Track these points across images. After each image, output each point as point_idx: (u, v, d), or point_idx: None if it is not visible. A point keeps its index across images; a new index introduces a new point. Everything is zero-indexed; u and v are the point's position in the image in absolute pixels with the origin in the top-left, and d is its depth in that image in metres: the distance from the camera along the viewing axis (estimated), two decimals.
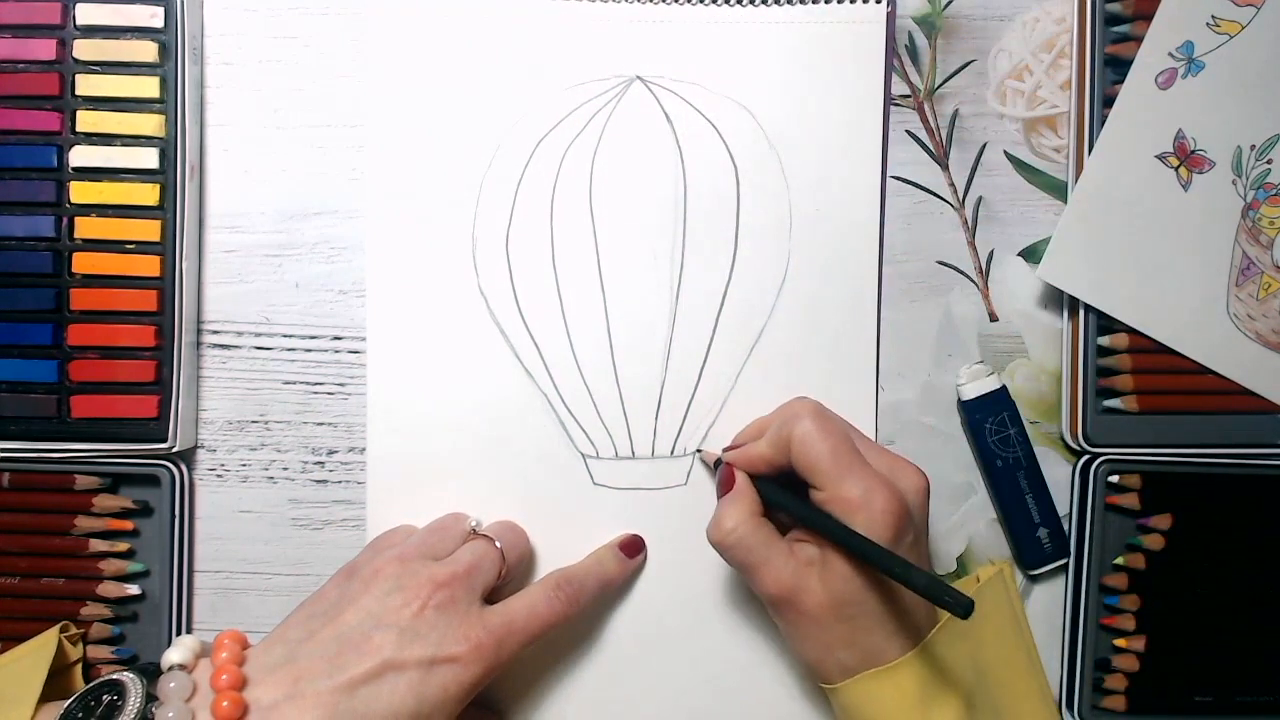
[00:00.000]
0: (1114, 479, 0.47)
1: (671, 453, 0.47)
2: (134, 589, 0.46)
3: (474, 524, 0.44)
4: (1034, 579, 0.49)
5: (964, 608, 0.35)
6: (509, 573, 0.43)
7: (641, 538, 0.47)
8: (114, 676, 0.36)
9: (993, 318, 0.48)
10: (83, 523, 0.46)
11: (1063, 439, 0.49)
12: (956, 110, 0.48)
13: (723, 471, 0.44)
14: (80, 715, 0.34)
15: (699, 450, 0.47)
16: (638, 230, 0.46)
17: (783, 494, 0.42)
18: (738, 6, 0.46)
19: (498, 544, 0.42)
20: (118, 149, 0.45)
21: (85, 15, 0.44)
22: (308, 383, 0.47)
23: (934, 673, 0.40)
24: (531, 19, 0.46)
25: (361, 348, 0.47)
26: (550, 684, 0.47)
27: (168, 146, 0.45)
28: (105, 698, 0.35)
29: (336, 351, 0.47)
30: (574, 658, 0.47)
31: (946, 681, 0.40)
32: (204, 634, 0.43)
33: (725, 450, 0.45)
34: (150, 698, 0.35)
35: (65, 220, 0.45)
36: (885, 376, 0.48)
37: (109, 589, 0.46)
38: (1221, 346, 0.47)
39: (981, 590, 0.44)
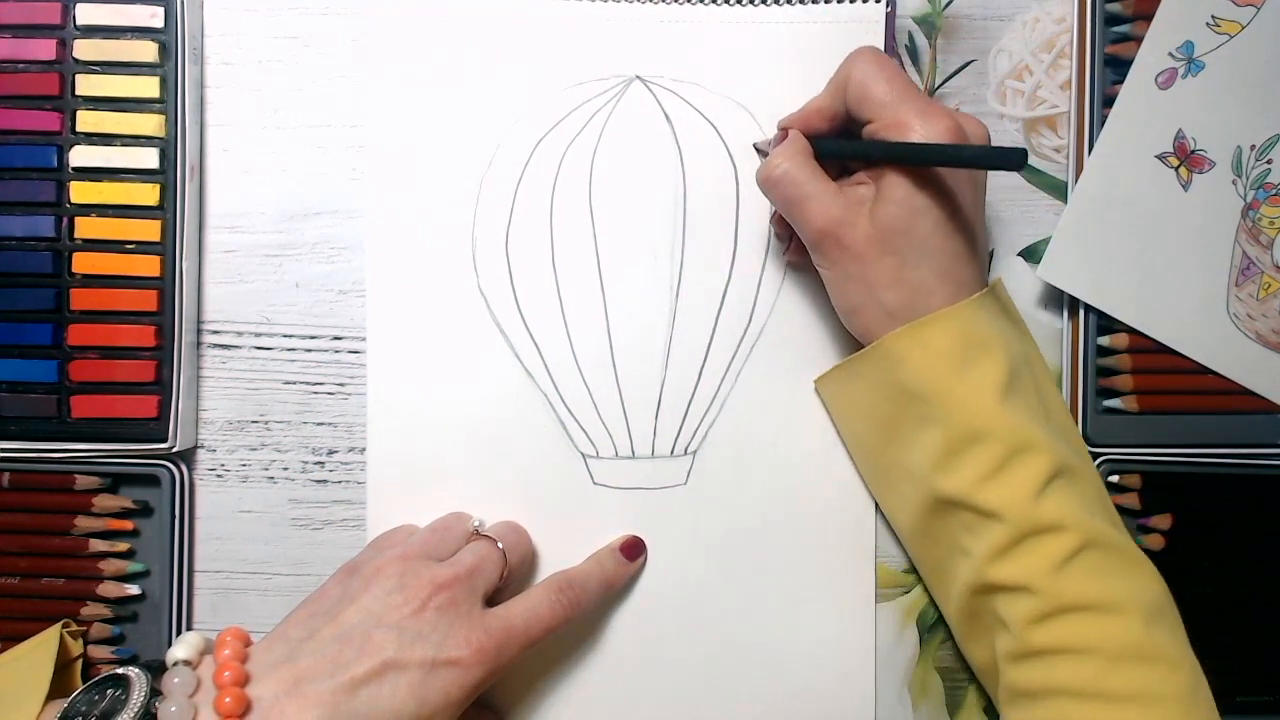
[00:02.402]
0: (1114, 479, 0.47)
1: (671, 452, 0.47)
2: (134, 589, 0.46)
3: (476, 524, 0.44)
4: None
5: (1019, 155, 0.36)
6: (511, 574, 0.43)
7: (642, 540, 0.47)
8: (119, 671, 0.36)
9: None
10: (83, 523, 0.46)
11: None
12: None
13: (776, 135, 0.44)
14: (85, 709, 0.34)
15: (755, 144, 0.46)
16: (638, 230, 0.46)
17: (837, 141, 0.42)
18: (738, 6, 0.46)
19: (500, 545, 0.42)
20: (118, 149, 0.45)
21: (85, 15, 0.44)
22: (308, 383, 0.47)
23: (975, 334, 0.39)
24: (531, 19, 0.46)
25: (361, 348, 0.47)
26: (550, 684, 0.47)
27: (168, 146, 0.45)
28: (110, 691, 0.35)
29: (336, 351, 0.47)
30: (574, 658, 0.47)
31: (987, 346, 0.39)
32: (204, 634, 0.43)
33: (780, 121, 0.45)
34: (154, 692, 0.35)
35: (65, 220, 0.45)
36: None
37: (109, 589, 0.46)
38: (1221, 346, 0.47)
39: (992, 290, 0.42)
